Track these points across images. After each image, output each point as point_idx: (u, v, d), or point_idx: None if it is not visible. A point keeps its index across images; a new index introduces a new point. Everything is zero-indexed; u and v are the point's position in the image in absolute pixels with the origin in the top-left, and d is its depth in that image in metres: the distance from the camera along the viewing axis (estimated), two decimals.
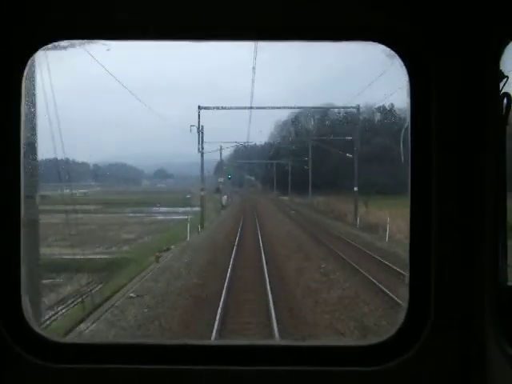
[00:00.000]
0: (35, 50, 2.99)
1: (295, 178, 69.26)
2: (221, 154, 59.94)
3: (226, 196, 69.33)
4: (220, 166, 70.21)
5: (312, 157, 60.50)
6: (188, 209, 60.26)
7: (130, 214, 53.73)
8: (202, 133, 45.06)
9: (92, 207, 55.74)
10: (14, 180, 3.00)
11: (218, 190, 65.41)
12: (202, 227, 42.10)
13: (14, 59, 2.96)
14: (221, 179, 63.29)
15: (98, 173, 62.65)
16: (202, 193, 47.05)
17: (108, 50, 3.14)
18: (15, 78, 2.97)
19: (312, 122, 72.12)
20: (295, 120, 72.68)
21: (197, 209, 61.13)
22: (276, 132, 74.61)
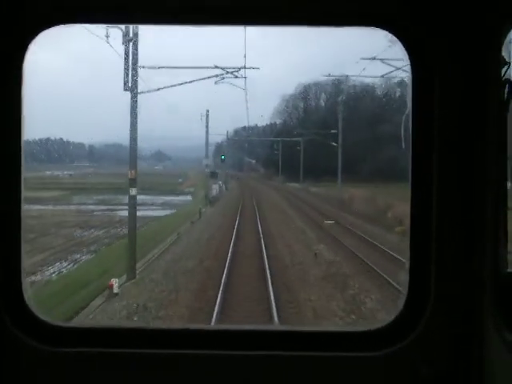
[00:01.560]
0: (36, 34, 3.38)
1: (309, 159, 61.12)
2: (207, 119, 48.93)
3: (217, 184, 60.45)
4: (220, 149, 65.29)
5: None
6: (173, 198, 55.40)
7: (90, 207, 47.17)
8: (135, 45, 22.90)
9: (56, 194, 53.29)
10: (14, 168, 3.40)
11: (213, 175, 57.82)
12: (129, 276, 20.90)
13: (15, 44, 3.37)
14: (206, 161, 52.75)
15: (93, 153, 62.65)
16: (133, 191, 25.75)
17: (107, 36, 3.45)
18: (16, 63, 3.38)
19: (324, 96, 68.61)
20: (304, 93, 69.97)
21: (186, 198, 55.55)
22: (282, 107, 70.71)
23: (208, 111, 49.26)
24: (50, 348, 3.50)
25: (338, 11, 3.46)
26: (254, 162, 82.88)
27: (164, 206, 50.89)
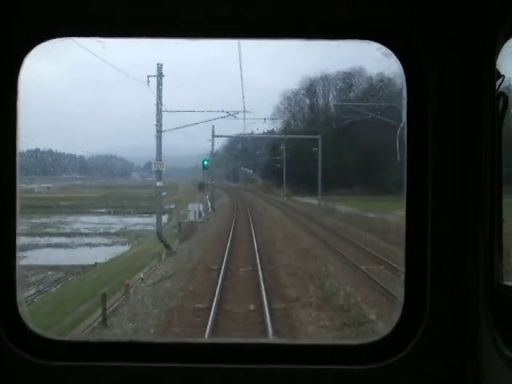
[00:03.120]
0: (31, 48, 3.94)
1: (331, 165, 49.19)
2: (160, 82, 37.83)
3: (197, 205, 47.52)
4: (214, 158, 58.21)
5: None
6: (143, 220, 48.14)
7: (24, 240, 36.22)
8: None
9: None
10: (10, 177, 3.94)
11: (201, 187, 50.52)
12: None
13: (10, 57, 3.99)
14: (159, 165, 38.49)
15: (83, 165, 62.60)
16: None
17: (103, 47, 3.92)
18: (12, 76, 4.00)
19: (333, 93, 63.04)
20: (310, 89, 64.89)
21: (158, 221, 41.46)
22: (283, 106, 64.99)
23: (161, 67, 37.49)
24: (42, 361, 4.05)
25: (331, 25, 3.96)
26: (250, 171, 77.67)
27: (119, 236, 42.47)
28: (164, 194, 53.98)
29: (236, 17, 4.00)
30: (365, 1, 3.97)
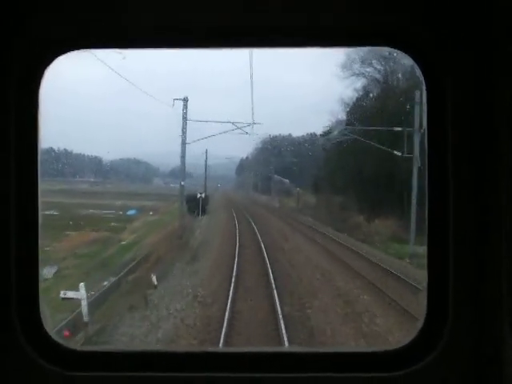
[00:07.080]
0: (51, 61, 4.63)
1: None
2: None
3: None
4: (243, 165, 60.88)
5: None
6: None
7: None
8: None
9: None
10: (32, 186, 4.67)
11: (192, 204, 42.44)
12: None
13: (30, 70, 4.68)
14: None
15: (99, 167, 63.73)
16: None
17: (124, 58, 4.49)
18: (32, 89, 4.57)
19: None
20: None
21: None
22: (349, 63, 44.54)
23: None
24: (62, 371, 4.66)
25: (343, 31, 4.58)
26: (287, 182, 65.94)
27: None
28: (132, 212, 47.90)
29: (244, 26, 4.54)
30: (377, 6, 4.46)
